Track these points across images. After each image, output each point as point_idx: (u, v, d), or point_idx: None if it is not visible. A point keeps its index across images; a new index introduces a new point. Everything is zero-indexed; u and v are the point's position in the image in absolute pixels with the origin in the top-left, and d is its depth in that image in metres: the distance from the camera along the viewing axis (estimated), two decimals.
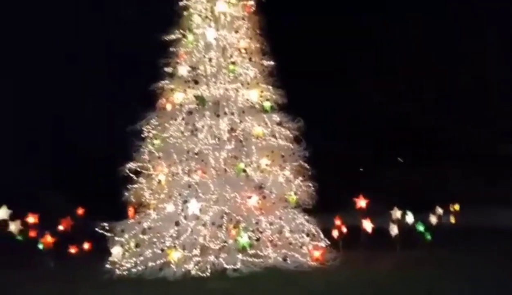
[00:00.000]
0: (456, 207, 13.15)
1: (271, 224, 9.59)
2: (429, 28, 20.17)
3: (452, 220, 12.84)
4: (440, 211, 12.03)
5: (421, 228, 11.06)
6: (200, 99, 10.27)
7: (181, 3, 11.11)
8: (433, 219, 11.67)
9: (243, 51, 10.81)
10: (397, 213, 10.97)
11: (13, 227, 10.36)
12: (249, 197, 9.60)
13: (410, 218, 11.08)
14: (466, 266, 8.68)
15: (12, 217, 10.39)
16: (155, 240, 9.34)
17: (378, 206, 11.01)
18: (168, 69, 10.90)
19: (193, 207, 9.16)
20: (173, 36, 10.98)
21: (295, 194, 10.18)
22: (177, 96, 10.56)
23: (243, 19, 11.08)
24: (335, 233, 10.67)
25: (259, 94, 10.64)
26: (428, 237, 10.96)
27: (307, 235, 9.84)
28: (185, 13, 11.10)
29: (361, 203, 10.57)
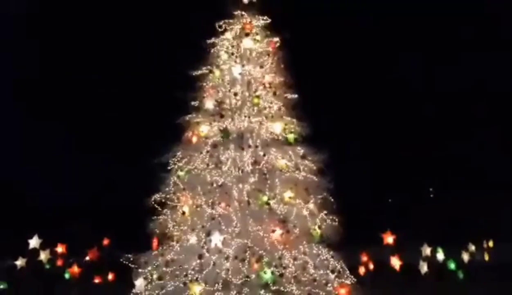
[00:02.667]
0: (490, 243, 12.14)
1: (294, 259, 9.05)
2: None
3: (486, 257, 11.83)
4: (472, 247, 11.11)
5: (452, 265, 10.19)
6: (224, 132, 10.08)
7: (209, 41, 11.12)
8: (465, 256, 10.76)
9: (267, 85, 10.63)
10: (427, 250, 10.17)
11: (43, 256, 10.28)
12: (273, 231, 9.13)
13: (440, 255, 10.24)
14: None
15: (42, 246, 10.31)
16: (177, 272, 8.97)
17: (407, 242, 10.25)
18: (195, 103, 10.83)
19: (216, 239, 8.79)
20: (200, 72, 10.95)
21: (320, 228, 9.62)
22: (203, 129, 10.41)
23: (268, 54, 10.97)
24: (361, 270, 9.95)
25: (283, 126, 10.34)
26: (461, 275, 10.05)
27: (332, 271, 9.20)
28: (212, 50, 11.10)
29: (389, 239, 9.86)
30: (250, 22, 10.97)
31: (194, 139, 10.45)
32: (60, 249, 10.44)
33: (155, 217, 10.01)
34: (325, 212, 9.82)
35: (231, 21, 11.07)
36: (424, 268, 9.84)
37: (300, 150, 10.15)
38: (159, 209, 10.05)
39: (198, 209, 9.67)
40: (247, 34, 10.81)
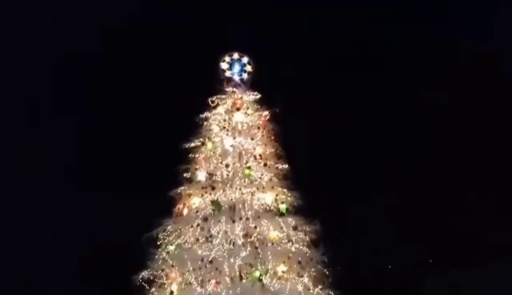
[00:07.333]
0: None
1: None
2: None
3: None
4: None
5: None
6: (216, 205, 9.53)
7: (201, 115, 11.01)
8: None
9: (258, 156, 10.31)
10: None
11: None
12: None
13: None
14: None
15: None
16: None
17: None
18: (187, 175, 10.40)
19: None
20: (193, 144, 10.68)
21: None
22: (194, 202, 9.87)
23: (258, 127, 10.80)
24: None
25: (274, 197, 9.83)
26: None
27: None
28: (205, 123, 10.94)
29: None
30: (241, 98, 10.97)
31: (185, 211, 9.87)
32: None
33: None
34: (320, 286, 8.96)
35: (223, 96, 11.06)
36: None
37: (292, 221, 9.53)
38: (147, 287, 9.13)
39: (187, 287, 8.78)
40: (238, 109, 10.76)
